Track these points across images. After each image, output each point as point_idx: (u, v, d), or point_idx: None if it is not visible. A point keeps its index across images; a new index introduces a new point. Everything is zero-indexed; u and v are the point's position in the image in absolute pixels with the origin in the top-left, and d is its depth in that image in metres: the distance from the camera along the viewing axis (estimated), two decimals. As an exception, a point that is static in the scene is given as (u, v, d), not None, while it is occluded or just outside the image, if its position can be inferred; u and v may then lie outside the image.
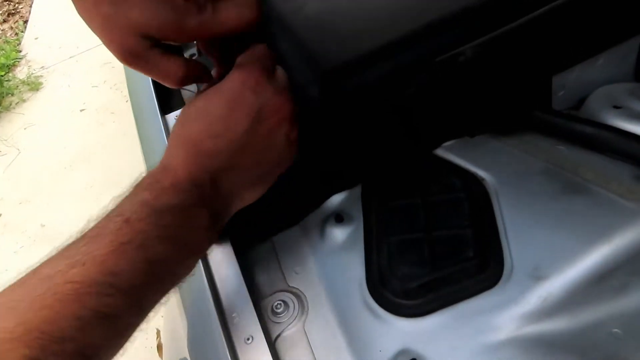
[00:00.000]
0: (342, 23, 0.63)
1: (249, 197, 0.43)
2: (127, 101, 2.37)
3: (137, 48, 0.39)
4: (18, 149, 2.28)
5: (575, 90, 0.55)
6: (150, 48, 0.40)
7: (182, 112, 0.42)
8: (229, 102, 0.40)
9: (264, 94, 0.41)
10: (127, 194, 0.37)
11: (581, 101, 0.56)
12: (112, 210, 0.36)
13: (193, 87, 0.72)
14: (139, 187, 0.38)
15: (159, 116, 0.61)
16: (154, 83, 0.64)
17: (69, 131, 2.30)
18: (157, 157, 0.57)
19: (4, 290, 0.31)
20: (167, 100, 0.66)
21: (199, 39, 0.44)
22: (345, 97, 0.55)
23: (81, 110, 2.40)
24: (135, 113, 0.70)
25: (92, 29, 0.39)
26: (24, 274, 0.32)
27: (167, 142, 0.57)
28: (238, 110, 0.39)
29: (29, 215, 1.98)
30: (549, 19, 0.50)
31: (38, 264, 0.33)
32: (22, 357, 0.27)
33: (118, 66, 2.60)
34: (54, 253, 0.34)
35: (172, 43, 0.42)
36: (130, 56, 0.39)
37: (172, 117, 0.62)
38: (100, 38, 0.39)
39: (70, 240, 0.34)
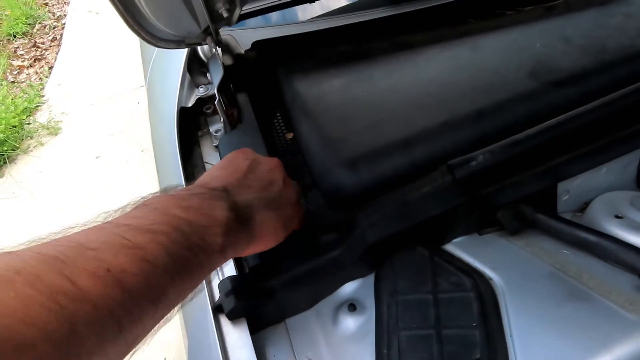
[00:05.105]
0: (362, 115, 0.67)
1: (268, 216, 0.48)
2: (142, 151, 2.43)
3: None
4: (31, 192, 2.33)
5: (579, 196, 0.58)
6: None
7: None
8: (231, 154, 0.54)
9: (254, 155, 0.54)
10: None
11: (585, 204, 0.60)
12: None
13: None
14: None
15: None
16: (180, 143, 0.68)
17: (83, 178, 2.35)
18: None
19: None
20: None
21: None
22: (360, 187, 0.59)
23: (96, 158, 2.46)
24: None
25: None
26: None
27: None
28: (239, 157, 0.52)
29: (35, 259, 2.00)
30: (560, 131, 0.54)
31: None
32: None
33: (136, 116, 2.69)
34: None
35: None
36: None
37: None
38: None
39: None
